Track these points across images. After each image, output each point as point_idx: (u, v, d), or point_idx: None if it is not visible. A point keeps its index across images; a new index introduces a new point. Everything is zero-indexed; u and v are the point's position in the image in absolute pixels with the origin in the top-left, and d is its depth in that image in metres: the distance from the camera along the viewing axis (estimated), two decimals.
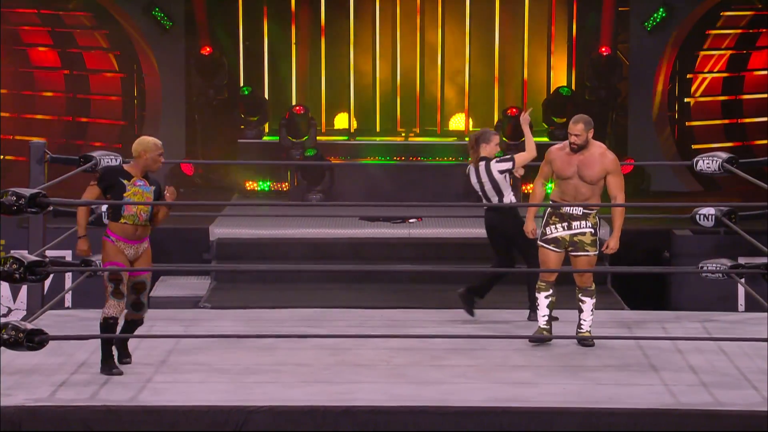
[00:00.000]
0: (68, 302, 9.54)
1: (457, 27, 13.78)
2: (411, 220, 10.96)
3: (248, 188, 12.92)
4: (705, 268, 7.88)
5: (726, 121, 13.85)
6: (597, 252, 7.15)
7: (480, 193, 7.80)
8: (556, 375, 6.54)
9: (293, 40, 13.68)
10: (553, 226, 7.12)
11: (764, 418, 5.83)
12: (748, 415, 5.86)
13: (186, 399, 6.06)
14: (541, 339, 7.10)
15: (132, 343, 7.06)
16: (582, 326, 7.21)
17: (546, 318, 7.22)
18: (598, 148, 7.15)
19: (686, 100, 13.85)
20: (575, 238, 7.11)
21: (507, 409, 5.92)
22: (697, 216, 8.10)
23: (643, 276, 10.07)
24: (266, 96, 13.64)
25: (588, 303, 7.18)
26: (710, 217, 8.01)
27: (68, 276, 9.42)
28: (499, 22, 13.72)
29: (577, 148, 7.09)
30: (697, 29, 13.61)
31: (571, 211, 7.09)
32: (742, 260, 8.66)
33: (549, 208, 7.13)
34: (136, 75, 13.76)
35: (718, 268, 7.81)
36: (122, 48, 13.75)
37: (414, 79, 13.81)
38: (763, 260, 6.39)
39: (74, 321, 7.84)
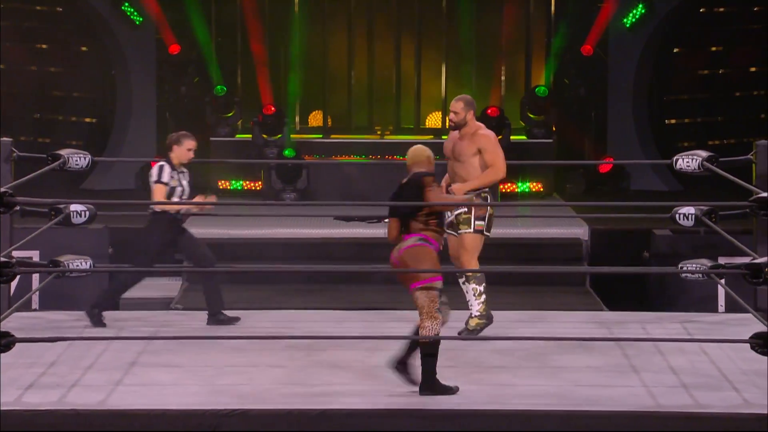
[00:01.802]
0: (35, 304, 9.42)
1: (435, 24, 13.71)
2: (386, 220, 10.87)
3: (221, 187, 12.82)
4: (685, 268, 7.84)
5: (706, 119, 13.85)
6: (471, 230, 7.26)
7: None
8: (535, 376, 6.49)
9: (264, 37, 13.59)
10: (448, 213, 7.32)
11: (744, 420, 5.81)
12: (728, 417, 5.84)
13: (157, 402, 5.97)
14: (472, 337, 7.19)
15: (101, 345, 6.95)
16: (471, 313, 7.25)
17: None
18: (474, 127, 7.32)
19: (666, 97, 13.84)
20: (455, 219, 7.30)
21: (485, 412, 5.87)
22: (677, 215, 8.06)
23: (623, 276, 10.04)
24: (239, 93, 13.53)
25: (467, 287, 7.25)
26: (690, 216, 7.97)
27: (35, 277, 9.30)
28: (477, 19, 13.67)
29: (454, 126, 7.29)
30: (677, 26, 13.61)
31: (451, 194, 7.29)
32: (722, 260, 8.63)
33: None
34: (106, 71, 13.62)
35: (698, 269, 7.78)
36: (92, 44, 13.60)
37: (390, 75, 13.73)
38: (743, 260, 6.33)
39: (42, 323, 7.75)
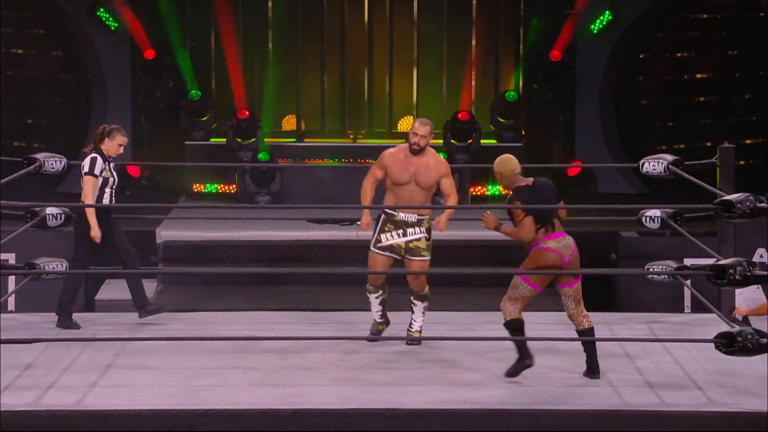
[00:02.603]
0: (11, 306, 9.42)
1: (406, 29, 13.79)
2: (359, 223, 10.96)
3: (195, 190, 12.85)
4: (651, 269, 7.94)
5: (672, 124, 14.00)
6: (429, 257, 7.25)
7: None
8: (504, 377, 6.54)
9: (238, 42, 13.64)
10: (388, 234, 7.20)
11: (709, 419, 5.90)
12: (693, 415, 5.93)
13: (132, 403, 6.01)
14: (377, 336, 7.25)
15: (77, 347, 6.99)
16: (413, 326, 7.34)
17: (380, 313, 7.37)
18: (432, 154, 7.26)
19: (632, 102, 13.98)
20: (411, 245, 7.20)
21: (456, 411, 5.93)
22: (643, 218, 8.16)
23: (590, 278, 10.10)
24: (214, 97, 13.58)
25: (420, 306, 7.32)
26: (656, 219, 8.08)
27: (11, 279, 9.30)
28: (447, 25, 13.77)
29: (418, 150, 7.15)
30: (644, 32, 13.75)
31: (406, 218, 7.18)
32: (687, 262, 8.74)
33: (383, 215, 7.20)
34: (82, 76, 13.63)
35: (664, 270, 7.88)
36: (67, 49, 13.61)
37: (362, 80, 13.81)
38: (708, 262, 6.44)
39: (18, 324, 7.73)
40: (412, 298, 7.31)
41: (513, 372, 6.49)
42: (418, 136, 7.16)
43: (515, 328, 6.50)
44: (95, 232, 7.58)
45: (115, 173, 7.73)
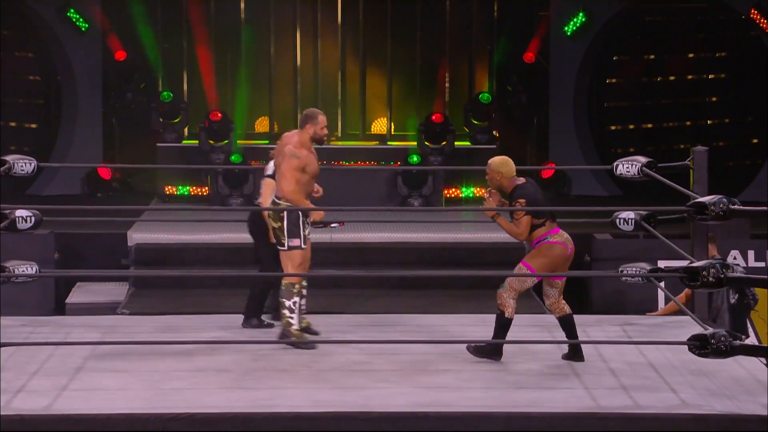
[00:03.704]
0: None
1: (379, 30, 13.82)
2: (333, 225, 10.96)
3: (167, 193, 12.82)
4: (625, 271, 7.97)
5: (645, 126, 14.09)
6: None
7: None
8: (478, 379, 6.58)
9: (211, 43, 13.62)
10: (307, 229, 7.30)
11: (682, 421, 5.94)
12: (666, 417, 5.96)
13: (103, 406, 5.99)
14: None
15: (47, 351, 6.96)
16: (306, 316, 7.36)
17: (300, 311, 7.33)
18: None
19: (606, 104, 14.06)
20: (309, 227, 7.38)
21: (429, 414, 5.95)
22: (617, 220, 8.20)
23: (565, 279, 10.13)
24: (186, 99, 13.56)
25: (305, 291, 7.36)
26: (630, 221, 8.11)
27: None
28: (421, 27, 13.80)
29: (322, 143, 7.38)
30: (617, 34, 13.83)
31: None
32: (661, 263, 8.80)
33: (299, 213, 7.22)
34: (52, 77, 13.58)
35: (637, 272, 7.91)
36: (37, 50, 13.55)
37: (336, 82, 13.83)
38: (681, 264, 6.48)
39: None
40: (304, 282, 7.33)
41: (478, 351, 6.74)
42: (326, 127, 7.41)
43: (506, 326, 6.76)
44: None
45: None
